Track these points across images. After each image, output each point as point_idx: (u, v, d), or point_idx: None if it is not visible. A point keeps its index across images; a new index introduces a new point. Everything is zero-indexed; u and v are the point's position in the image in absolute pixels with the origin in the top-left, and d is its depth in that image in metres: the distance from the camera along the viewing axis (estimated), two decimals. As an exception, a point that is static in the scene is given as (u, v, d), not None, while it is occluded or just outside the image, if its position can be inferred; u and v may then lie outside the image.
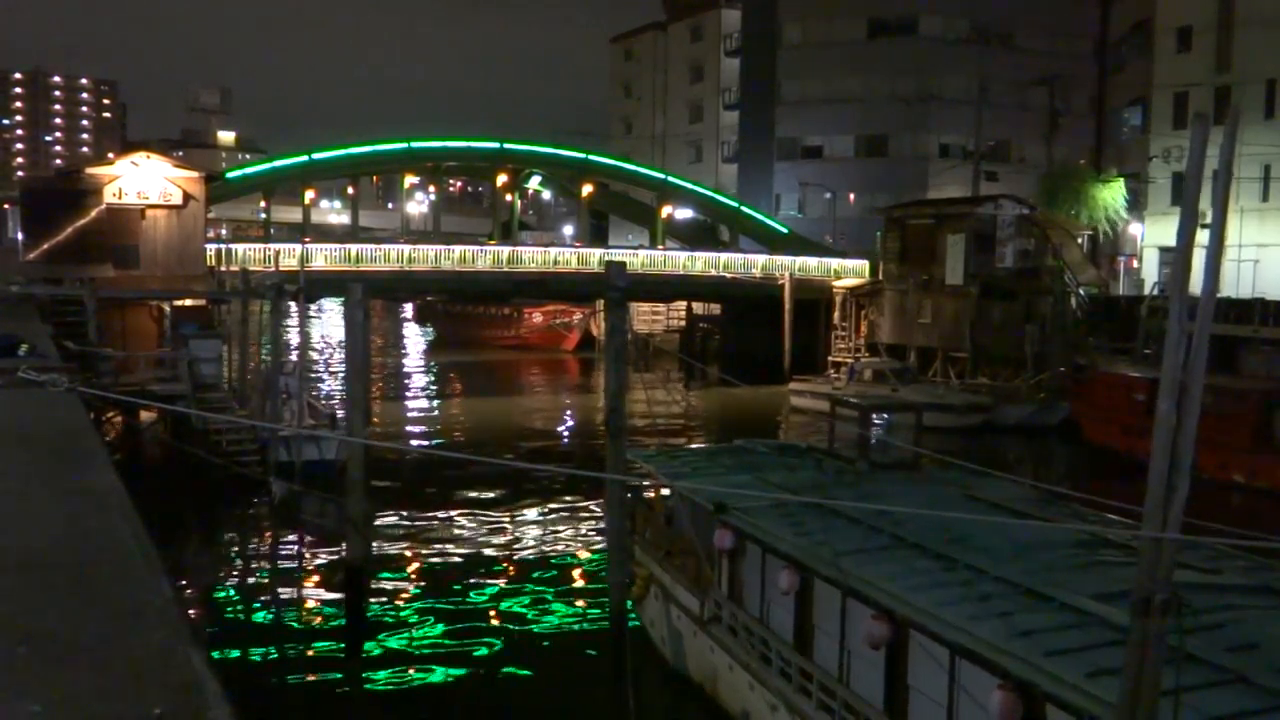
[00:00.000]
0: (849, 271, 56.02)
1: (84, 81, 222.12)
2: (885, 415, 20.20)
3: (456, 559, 23.12)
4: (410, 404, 49.06)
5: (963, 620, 10.18)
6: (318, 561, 22.74)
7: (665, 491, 17.68)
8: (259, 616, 20.00)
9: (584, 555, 23.48)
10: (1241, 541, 10.86)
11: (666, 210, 63.72)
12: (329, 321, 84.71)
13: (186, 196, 39.96)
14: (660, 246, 60.96)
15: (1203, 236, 7.45)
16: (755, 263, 55.81)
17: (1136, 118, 57.58)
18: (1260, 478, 28.81)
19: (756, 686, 13.67)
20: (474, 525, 25.91)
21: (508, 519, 26.58)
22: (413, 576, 21.91)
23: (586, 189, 62.19)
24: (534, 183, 71.29)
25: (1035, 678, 9.21)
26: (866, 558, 12.22)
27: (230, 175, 54.86)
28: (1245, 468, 29.09)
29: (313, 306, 51.58)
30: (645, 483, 18.36)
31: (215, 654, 16.45)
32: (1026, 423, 39.54)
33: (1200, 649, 8.75)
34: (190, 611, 18.41)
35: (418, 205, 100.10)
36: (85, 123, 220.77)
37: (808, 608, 13.20)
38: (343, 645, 17.80)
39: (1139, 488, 7.63)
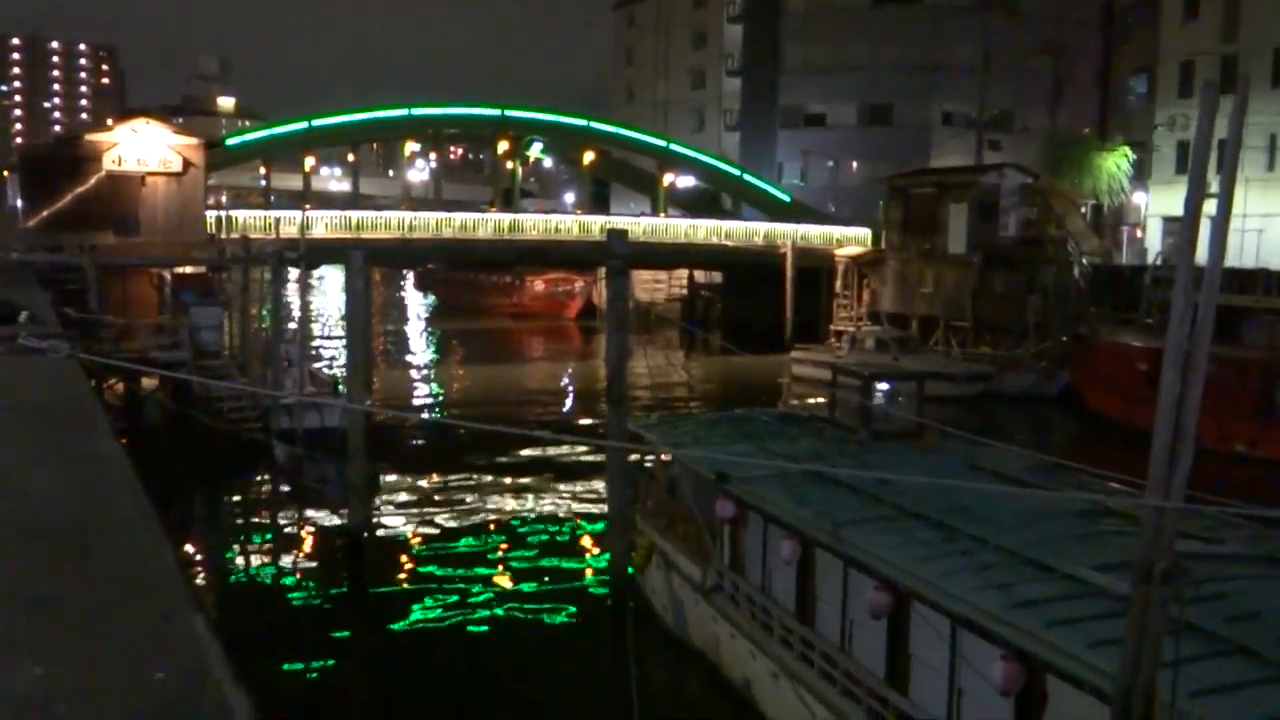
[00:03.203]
0: (851, 240, 55.85)
1: (82, 48, 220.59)
2: (888, 384, 20.15)
3: (457, 526, 23.16)
4: (412, 371, 49.07)
5: (964, 590, 10.19)
6: (319, 527, 22.78)
7: (667, 459, 17.67)
8: (261, 582, 20.08)
9: (585, 524, 23.50)
10: (1244, 511, 10.86)
11: (668, 178, 63.45)
12: (328, 290, 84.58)
13: (186, 163, 39.80)
14: (662, 214, 60.76)
15: (1209, 206, 7.38)
16: (757, 231, 55.62)
17: (1142, 86, 57.31)
18: (1262, 448, 28.84)
19: (758, 655, 13.72)
20: (475, 492, 25.95)
21: (509, 486, 26.62)
22: (414, 542, 21.96)
23: (588, 156, 61.92)
24: (535, 150, 70.96)
25: (1036, 648, 9.23)
26: (868, 528, 12.21)
27: (230, 142, 54.63)
28: (1247, 438, 29.11)
29: (314, 274, 51.43)
30: (646, 451, 18.35)
31: (217, 619, 16.50)
32: (1028, 392, 39.55)
33: (1201, 619, 8.76)
34: (192, 577, 18.45)
35: (418, 172, 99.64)
36: (84, 89, 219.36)
37: (809, 577, 13.22)
38: (344, 610, 17.88)
39: (1139, 456, 7.60)
